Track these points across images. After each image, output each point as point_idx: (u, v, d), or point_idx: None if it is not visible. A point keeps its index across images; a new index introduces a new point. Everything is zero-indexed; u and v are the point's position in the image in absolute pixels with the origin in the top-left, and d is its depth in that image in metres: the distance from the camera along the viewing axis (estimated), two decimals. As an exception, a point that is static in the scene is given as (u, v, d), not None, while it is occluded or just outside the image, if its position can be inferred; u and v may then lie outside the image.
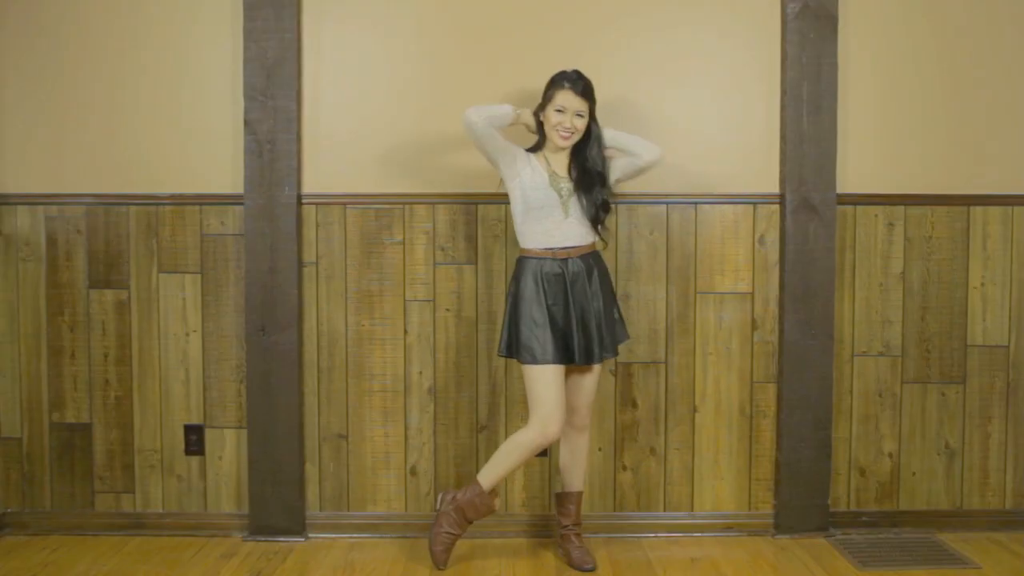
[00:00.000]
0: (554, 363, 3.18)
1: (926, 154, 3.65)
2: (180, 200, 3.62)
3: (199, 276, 3.64)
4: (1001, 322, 3.68)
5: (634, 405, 3.67)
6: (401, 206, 3.61)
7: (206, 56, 3.60)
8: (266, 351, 3.57)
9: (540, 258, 3.22)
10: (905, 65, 3.64)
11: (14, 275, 3.66)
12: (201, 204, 3.62)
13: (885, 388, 3.69)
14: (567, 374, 3.28)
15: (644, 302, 3.64)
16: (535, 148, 3.30)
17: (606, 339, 3.26)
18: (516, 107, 3.25)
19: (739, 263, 3.64)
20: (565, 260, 3.22)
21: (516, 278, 3.26)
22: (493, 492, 3.29)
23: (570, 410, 3.32)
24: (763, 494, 3.68)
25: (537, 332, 3.18)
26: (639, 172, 3.33)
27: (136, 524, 3.67)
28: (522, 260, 3.26)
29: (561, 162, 3.27)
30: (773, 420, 3.67)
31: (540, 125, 3.28)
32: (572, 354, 3.20)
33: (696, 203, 3.63)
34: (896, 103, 3.64)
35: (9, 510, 3.69)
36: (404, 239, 3.62)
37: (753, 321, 3.66)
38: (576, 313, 3.20)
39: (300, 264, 3.59)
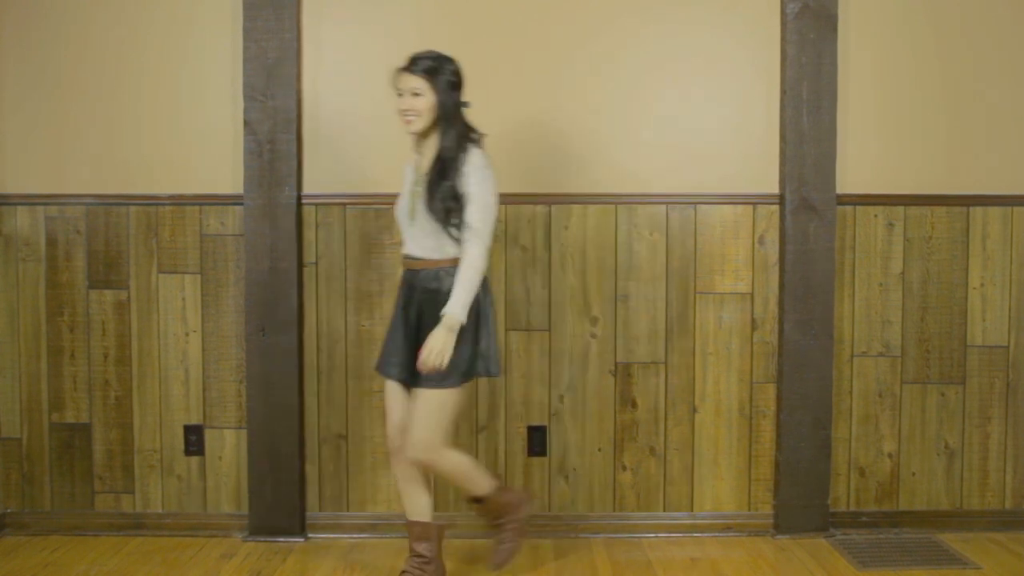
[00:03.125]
0: (384, 376, 3.02)
1: (926, 154, 3.65)
2: (180, 200, 3.62)
3: (199, 276, 3.64)
4: (1001, 322, 3.68)
5: (634, 405, 3.67)
6: (401, 206, 3.61)
7: (206, 56, 3.60)
8: (266, 351, 3.57)
9: (405, 267, 3.04)
10: (905, 65, 3.64)
11: (14, 275, 3.66)
12: (201, 204, 3.62)
13: (885, 388, 3.69)
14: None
15: (644, 302, 3.64)
16: None
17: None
18: None
19: (739, 263, 3.64)
20: (416, 271, 2.95)
21: None
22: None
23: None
24: (763, 494, 3.68)
25: (386, 341, 3.06)
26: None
27: (136, 524, 3.67)
28: None
29: (426, 160, 2.98)
30: (773, 420, 3.66)
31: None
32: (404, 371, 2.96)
33: (696, 203, 3.63)
34: (896, 103, 3.64)
35: (9, 510, 3.69)
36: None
37: (753, 321, 3.65)
38: (408, 332, 2.96)
39: (300, 264, 3.59)
